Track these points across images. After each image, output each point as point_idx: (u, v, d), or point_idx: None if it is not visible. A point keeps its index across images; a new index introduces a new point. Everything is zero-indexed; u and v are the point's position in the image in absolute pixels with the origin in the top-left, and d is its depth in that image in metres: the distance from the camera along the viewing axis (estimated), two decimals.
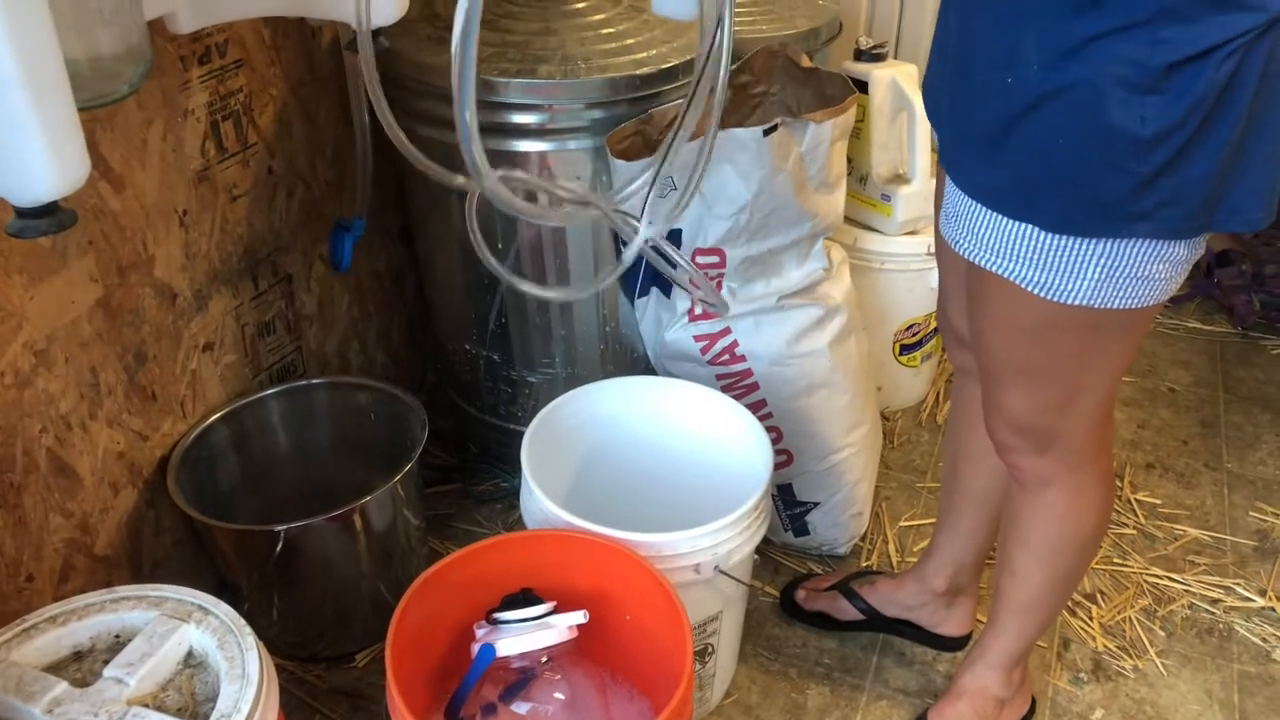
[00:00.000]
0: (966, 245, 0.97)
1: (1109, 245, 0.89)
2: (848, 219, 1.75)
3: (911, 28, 2.07)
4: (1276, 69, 0.81)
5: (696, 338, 1.49)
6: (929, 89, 1.07)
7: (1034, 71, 0.85)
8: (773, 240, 1.43)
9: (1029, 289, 0.94)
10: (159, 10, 0.97)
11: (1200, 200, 0.86)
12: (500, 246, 1.50)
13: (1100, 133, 0.83)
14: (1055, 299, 0.93)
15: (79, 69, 0.69)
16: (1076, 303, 0.92)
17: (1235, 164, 0.85)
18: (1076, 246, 0.90)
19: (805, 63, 1.50)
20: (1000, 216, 0.93)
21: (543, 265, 1.51)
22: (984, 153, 0.92)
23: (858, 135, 1.71)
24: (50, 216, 0.70)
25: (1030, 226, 0.91)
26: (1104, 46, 0.81)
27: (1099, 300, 0.92)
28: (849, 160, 1.73)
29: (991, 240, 0.94)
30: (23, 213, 0.69)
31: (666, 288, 1.49)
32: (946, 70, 1.00)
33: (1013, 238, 0.92)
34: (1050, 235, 0.90)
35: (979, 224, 0.95)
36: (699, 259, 1.43)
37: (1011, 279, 0.94)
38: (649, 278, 1.49)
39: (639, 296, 1.52)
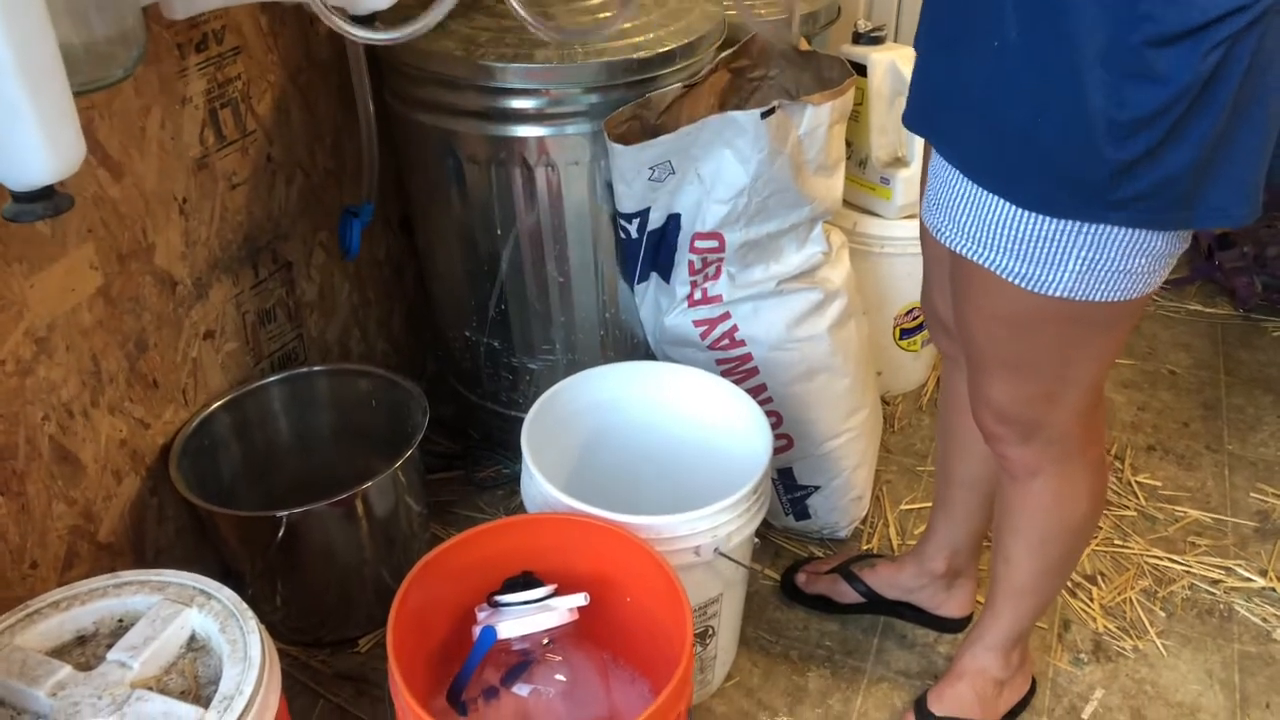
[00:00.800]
0: (948, 233, 0.97)
1: (1089, 237, 0.88)
2: (847, 203, 1.75)
3: (911, 10, 2.06)
4: (1262, 63, 0.80)
5: (696, 323, 1.49)
6: (918, 47, 1.04)
7: (1014, 38, 0.84)
8: (772, 224, 1.43)
9: (1010, 279, 0.93)
10: None
11: (1179, 194, 0.84)
12: (500, 232, 1.50)
13: (1079, 115, 0.82)
14: (1036, 290, 0.93)
15: (73, 53, 0.69)
16: (1057, 294, 0.92)
17: (1216, 158, 0.83)
18: (1057, 237, 0.89)
19: (803, 46, 1.50)
20: (980, 204, 0.92)
21: (542, 251, 1.51)
22: (968, 118, 0.91)
23: (856, 119, 1.71)
24: (46, 200, 0.70)
25: (1009, 213, 0.90)
26: (1081, 16, 0.79)
27: (1080, 293, 0.92)
28: (848, 144, 1.73)
29: (972, 228, 0.94)
30: (19, 197, 0.70)
31: (666, 273, 1.49)
32: (938, 30, 0.98)
33: (993, 225, 0.92)
34: (1030, 223, 0.89)
35: (960, 211, 0.95)
36: (698, 243, 1.43)
37: (992, 269, 0.94)
38: (649, 263, 1.49)
39: (638, 282, 1.52)
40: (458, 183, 1.48)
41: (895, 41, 1.89)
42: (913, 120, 1.05)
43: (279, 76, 1.41)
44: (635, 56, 1.36)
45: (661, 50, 1.37)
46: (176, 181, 1.28)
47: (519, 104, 1.37)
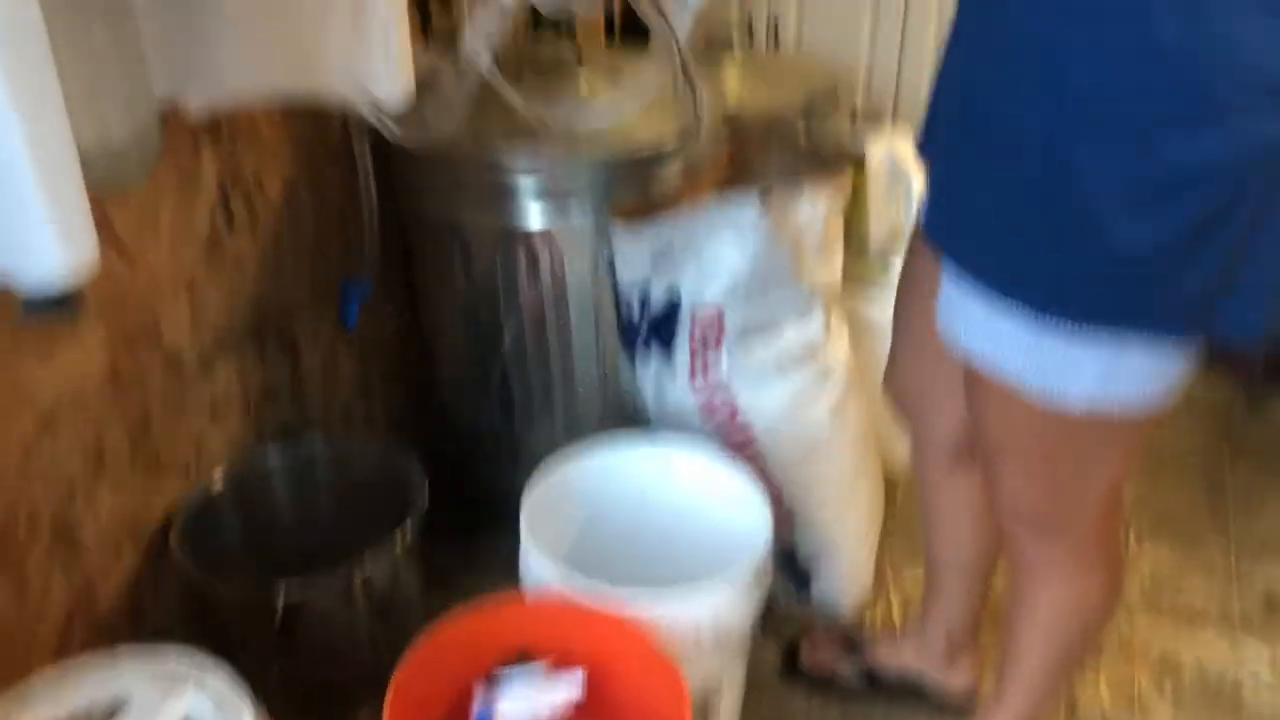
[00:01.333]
0: (964, 341, 0.97)
1: (1106, 348, 0.88)
2: (845, 282, 1.76)
3: (908, 96, 2.10)
4: (1273, 194, 0.80)
5: (697, 400, 1.50)
6: (928, 133, 1.05)
7: (1037, 168, 0.85)
8: (771, 304, 1.45)
9: (1027, 388, 0.93)
10: (166, 91, 1.00)
11: (1196, 312, 0.85)
12: (503, 309, 1.52)
13: (1093, 241, 0.83)
14: (1053, 399, 0.92)
15: (90, 156, 0.71)
16: (1075, 403, 0.92)
17: (1231, 282, 0.83)
18: (1073, 347, 0.89)
19: (801, 131, 1.53)
20: (996, 313, 0.92)
21: (544, 327, 1.53)
22: (980, 231, 0.92)
23: (855, 200, 1.74)
24: (59, 305, 0.72)
25: (1025, 323, 0.90)
26: (1095, 151, 0.81)
27: (1098, 401, 0.91)
28: (846, 224, 1.76)
29: (987, 337, 0.94)
30: (31, 302, 0.71)
31: (667, 350, 1.51)
32: (948, 136, 0.99)
33: (1009, 335, 0.92)
34: (1046, 334, 0.89)
35: (975, 320, 0.95)
36: (699, 322, 1.45)
37: (1008, 378, 0.94)
38: (650, 340, 1.51)
39: (640, 360, 1.54)
40: (462, 262, 1.51)
41: (894, 120, 1.93)
42: (928, 228, 1.04)
43: (290, 159, 1.44)
44: (638, 145, 1.39)
45: (664, 138, 1.41)
46: (186, 263, 1.31)
47: (524, 189, 1.40)
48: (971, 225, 0.93)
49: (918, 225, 1.15)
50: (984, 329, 0.94)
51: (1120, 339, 0.88)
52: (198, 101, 1.02)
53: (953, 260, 0.96)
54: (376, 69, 1.01)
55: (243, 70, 0.99)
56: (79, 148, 0.71)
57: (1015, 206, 0.88)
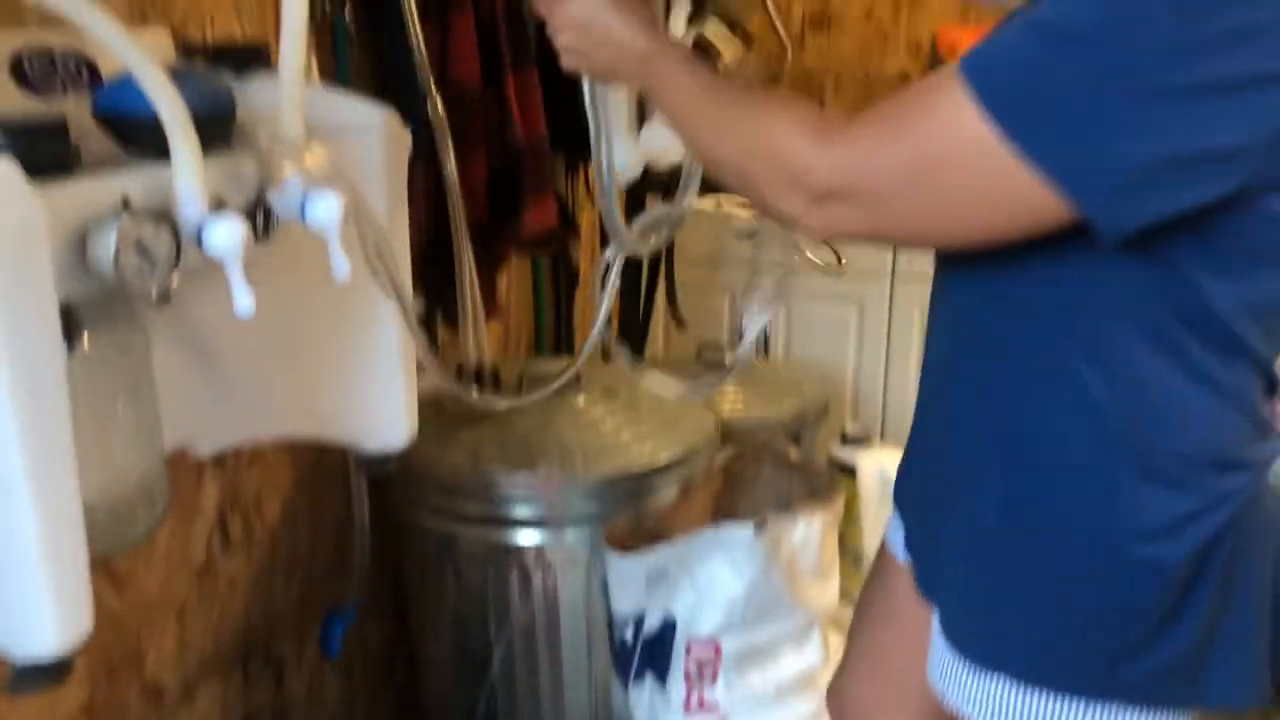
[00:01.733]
0: (954, 697, 0.96)
1: (1098, 711, 0.86)
2: (843, 600, 1.75)
3: (895, 415, 2.17)
4: (1241, 552, 0.82)
5: None
6: (905, 492, 1.07)
7: (990, 526, 0.86)
8: (768, 631, 1.42)
9: None
10: (178, 441, 1.03)
11: (1180, 679, 0.84)
12: (493, 630, 1.49)
13: (1069, 605, 0.84)
14: None
15: (96, 519, 0.72)
16: None
17: (1211, 645, 0.83)
18: (1063, 712, 0.87)
19: (792, 453, 1.57)
20: (984, 674, 0.91)
21: (535, 650, 1.50)
22: (960, 597, 0.92)
23: (848, 516, 1.75)
24: (49, 672, 0.71)
25: (1012, 686, 0.89)
26: (1063, 516, 0.83)
27: None
28: (841, 540, 1.76)
29: (977, 697, 0.92)
30: (22, 671, 0.70)
31: (662, 677, 1.47)
32: (920, 492, 1.01)
33: (998, 696, 0.90)
34: (1035, 698, 0.88)
35: (965, 679, 0.93)
36: (694, 649, 1.42)
37: None
38: (644, 667, 1.47)
39: (634, 687, 1.49)
40: (454, 580, 1.50)
41: (883, 438, 1.98)
42: (920, 583, 1.02)
43: (290, 481, 1.46)
44: (633, 468, 1.42)
45: (657, 462, 1.44)
46: (178, 588, 1.29)
47: (520, 510, 1.42)
48: (951, 591, 0.93)
49: (882, 549, 1.15)
50: (973, 691, 0.92)
51: (1113, 706, 0.86)
52: (207, 449, 1.05)
53: (940, 622, 0.96)
54: (382, 421, 1.04)
55: (253, 421, 1.03)
56: (84, 509, 0.72)
57: (989, 575, 0.88)
